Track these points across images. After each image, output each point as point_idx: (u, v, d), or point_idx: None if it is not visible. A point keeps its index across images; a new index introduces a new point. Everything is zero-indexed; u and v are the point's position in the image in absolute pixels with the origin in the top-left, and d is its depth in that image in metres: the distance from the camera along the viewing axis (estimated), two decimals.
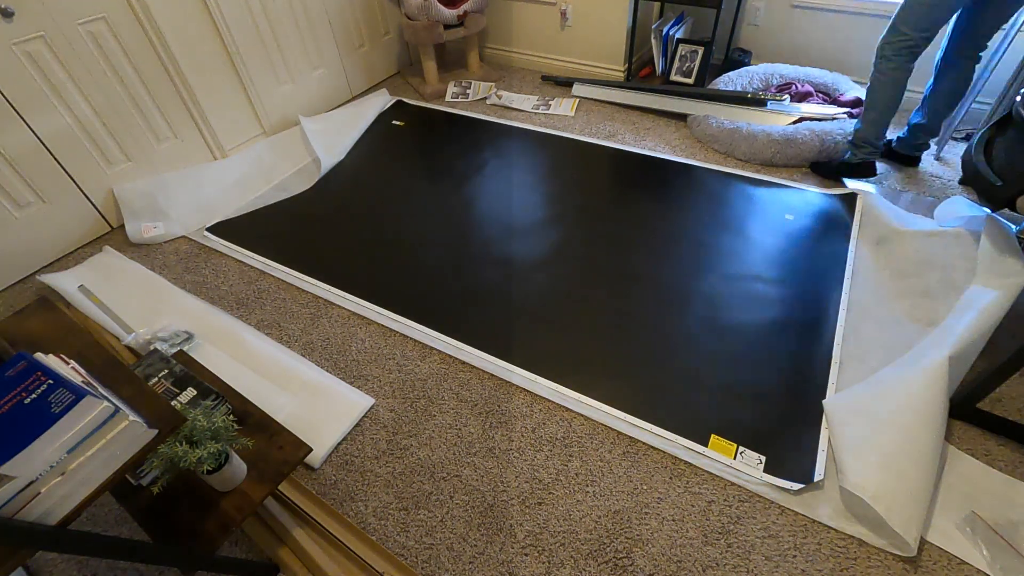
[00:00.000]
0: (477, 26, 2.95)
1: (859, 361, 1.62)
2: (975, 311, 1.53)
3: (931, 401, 1.42)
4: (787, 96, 2.56)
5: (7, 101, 1.92)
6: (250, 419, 1.31)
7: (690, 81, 2.89)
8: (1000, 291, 1.54)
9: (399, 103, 3.15)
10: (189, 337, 1.76)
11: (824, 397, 1.55)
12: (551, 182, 2.48)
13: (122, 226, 2.39)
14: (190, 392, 1.32)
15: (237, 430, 1.15)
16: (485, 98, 3.11)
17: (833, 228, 2.09)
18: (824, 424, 1.49)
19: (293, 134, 2.85)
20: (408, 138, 2.86)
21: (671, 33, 2.92)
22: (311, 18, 2.83)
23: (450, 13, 2.86)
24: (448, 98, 3.18)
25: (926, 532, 1.28)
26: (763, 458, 1.43)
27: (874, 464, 1.31)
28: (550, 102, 3.03)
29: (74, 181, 2.19)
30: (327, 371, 1.73)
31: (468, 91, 3.20)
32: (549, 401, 1.62)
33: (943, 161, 2.34)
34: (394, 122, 2.99)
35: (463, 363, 1.74)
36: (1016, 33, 2.09)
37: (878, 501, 1.24)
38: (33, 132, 2.01)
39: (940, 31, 1.87)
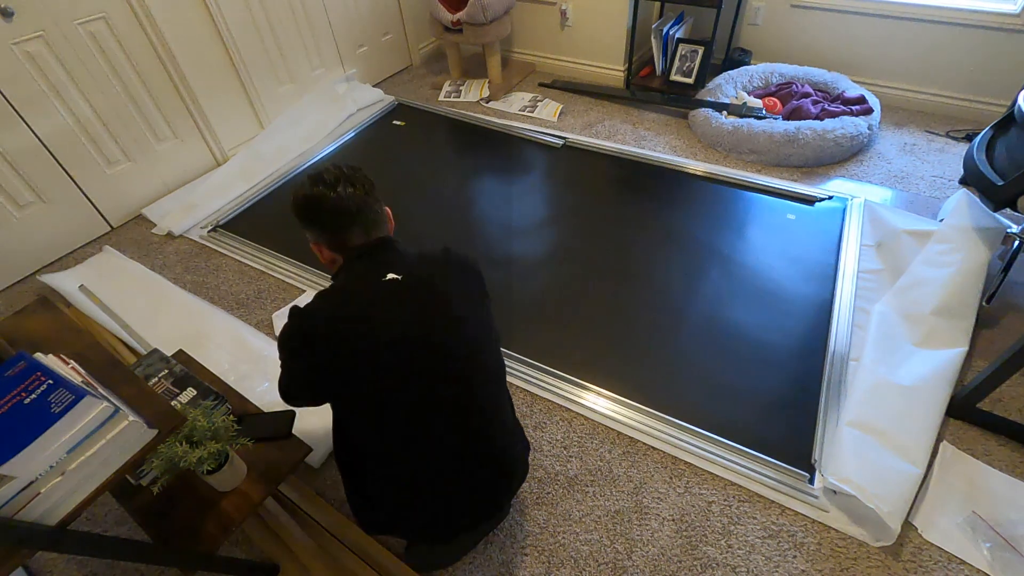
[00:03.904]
0: (477, 38, 2.90)
1: (856, 360, 1.62)
2: (952, 269, 1.67)
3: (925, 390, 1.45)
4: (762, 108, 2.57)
5: (7, 101, 1.92)
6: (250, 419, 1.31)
7: (690, 81, 2.88)
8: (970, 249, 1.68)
9: (400, 104, 3.15)
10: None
11: (821, 396, 1.55)
12: (552, 182, 2.48)
13: (122, 226, 2.39)
14: (190, 392, 1.32)
15: (237, 430, 1.15)
16: (481, 100, 3.10)
17: (834, 228, 2.09)
18: (821, 423, 1.49)
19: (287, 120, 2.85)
20: (409, 138, 2.86)
21: (671, 33, 2.92)
22: (311, 18, 2.83)
23: (447, 16, 2.86)
24: (441, 97, 3.18)
25: (926, 532, 1.28)
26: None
27: (854, 459, 1.34)
28: (538, 103, 3.02)
29: (74, 181, 2.19)
30: None
31: (461, 89, 3.21)
32: (549, 401, 1.61)
33: None
34: (395, 122, 2.99)
35: None
36: None
37: (862, 492, 1.26)
38: (33, 132, 2.01)
39: None
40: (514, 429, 1.18)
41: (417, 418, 1.00)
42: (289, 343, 1.00)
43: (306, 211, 1.02)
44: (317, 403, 1.06)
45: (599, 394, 1.62)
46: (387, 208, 1.10)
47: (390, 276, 0.98)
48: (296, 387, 1.05)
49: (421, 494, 1.06)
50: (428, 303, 0.99)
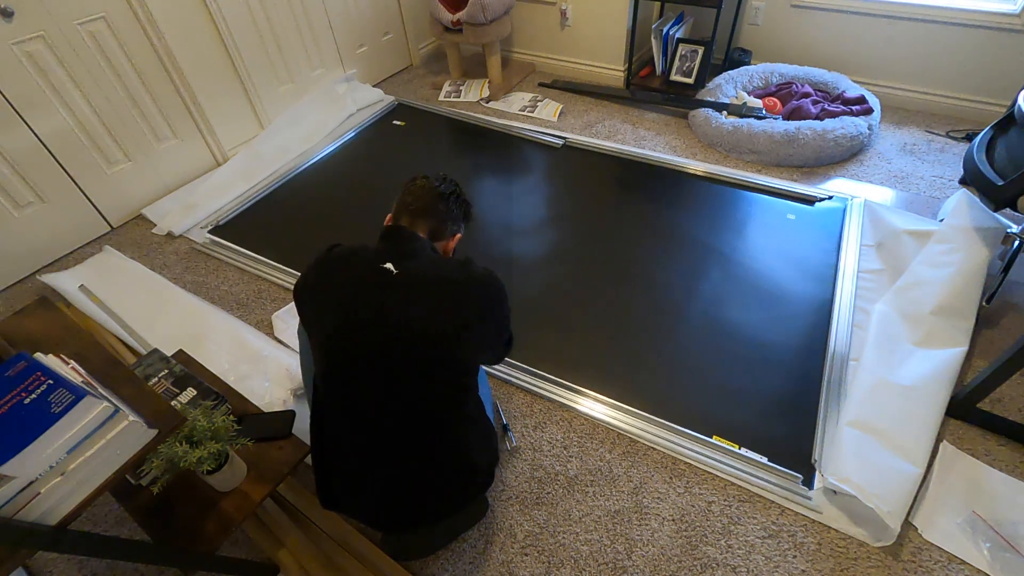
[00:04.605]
0: (477, 38, 2.90)
1: (856, 360, 1.62)
2: (952, 268, 1.67)
3: (924, 390, 1.45)
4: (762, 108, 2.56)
5: (7, 101, 1.92)
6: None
7: (690, 81, 2.88)
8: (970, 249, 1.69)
9: (400, 104, 3.15)
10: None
11: (821, 396, 1.55)
12: (552, 182, 2.48)
13: (122, 226, 2.39)
14: (190, 392, 1.32)
15: (237, 430, 1.15)
16: (481, 100, 3.10)
17: (834, 228, 2.09)
18: (821, 423, 1.49)
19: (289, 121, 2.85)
20: (409, 138, 2.86)
21: (671, 33, 2.92)
22: (311, 18, 2.83)
23: (447, 16, 2.86)
24: (441, 97, 3.18)
25: (926, 532, 1.28)
26: (764, 458, 1.43)
27: (854, 458, 1.34)
28: (538, 103, 3.03)
29: (74, 181, 2.19)
30: None
31: (461, 89, 3.21)
32: (549, 401, 1.61)
33: None
34: (395, 122, 2.99)
35: None
36: None
37: (862, 491, 1.26)
38: (33, 132, 2.01)
39: None
40: (461, 443, 1.11)
41: (346, 394, 1.06)
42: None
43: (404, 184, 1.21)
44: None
45: (596, 399, 1.61)
46: (458, 235, 1.23)
47: (387, 265, 1.05)
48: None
49: (350, 475, 1.09)
50: (394, 302, 1.03)
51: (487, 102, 3.08)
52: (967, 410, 1.47)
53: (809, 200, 2.24)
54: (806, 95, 2.62)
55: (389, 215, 1.19)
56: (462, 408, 1.11)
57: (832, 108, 2.51)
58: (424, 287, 1.04)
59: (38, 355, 0.86)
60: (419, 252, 1.09)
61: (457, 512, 1.18)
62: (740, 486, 1.39)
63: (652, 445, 1.49)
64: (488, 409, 1.24)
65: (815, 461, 1.41)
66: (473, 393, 1.14)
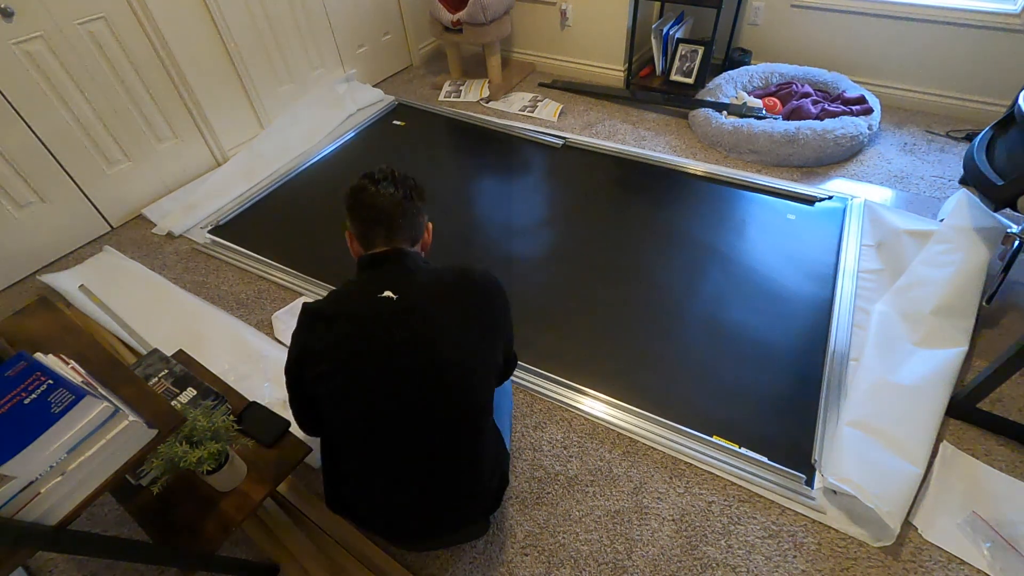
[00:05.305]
0: (477, 38, 2.91)
1: (856, 360, 1.62)
2: (952, 268, 1.67)
3: (924, 389, 1.45)
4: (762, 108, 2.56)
5: (7, 101, 1.92)
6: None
7: (690, 81, 2.88)
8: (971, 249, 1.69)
9: (400, 104, 3.15)
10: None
11: (821, 396, 1.55)
12: (552, 182, 2.48)
13: (122, 226, 2.39)
14: (190, 392, 1.32)
15: (237, 430, 1.15)
16: (481, 100, 3.10)
17: (834, 228, 2.09)
18: (821, 423, 1.49)
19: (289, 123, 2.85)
20: (409, 138, 2.86)
21: (671, 33, 2.92)
22: (311, 18, 2.83)
23: (447, 16, 2.86)
24: (441, 97, 3.18)
25: (926, 532, 1.28)
26: (764, 458, 1.43)
27: (856, 458, 1.34)
28: (538, 103, 3.03)
29: (74, 181, 2.19)
30: None
31: (461, 89, 3.21)
32: (549, 401, 1.61)
33: None
34: (395, 122, 2.99)
35: None
36: None
37: (862, 491, 1.26)
38: (33, 132, 2.01)
39: None
40: (476, 463, 1.09)
41: (362, 426, 1.02)
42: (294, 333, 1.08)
43: (349, 199, 1.09)
44: (300, 409, 1.10)
45: (596, 399, 1.61)
46: (429, 223, 1.16)
47: (385, 294, 1.01)
48: (288, 378, 1.08)
49: (360, 488, 1.08)
50: (408, 327, 0.99)
51: (487, 102, 3.08)
52: (967, 410, 1.47)
53: (809, 200, 2.24)
54: (806, 95, 2.62)
55: (349, 235, 1.11)
56: (476, 436, 1.07)
57: (832, 108, 2.51)
58: (426, 306, 1.01)
59: (38, 355, 0.86)
60: (411, 269, 1.05)
61: (456, 532, 1.18)
62: (740, 486, 1.39)
63: (652, 445, 1.49)
64: (506, 433, 1.23)
65: (815, 461, 1.41)
66: (489, 421, 1.12)
